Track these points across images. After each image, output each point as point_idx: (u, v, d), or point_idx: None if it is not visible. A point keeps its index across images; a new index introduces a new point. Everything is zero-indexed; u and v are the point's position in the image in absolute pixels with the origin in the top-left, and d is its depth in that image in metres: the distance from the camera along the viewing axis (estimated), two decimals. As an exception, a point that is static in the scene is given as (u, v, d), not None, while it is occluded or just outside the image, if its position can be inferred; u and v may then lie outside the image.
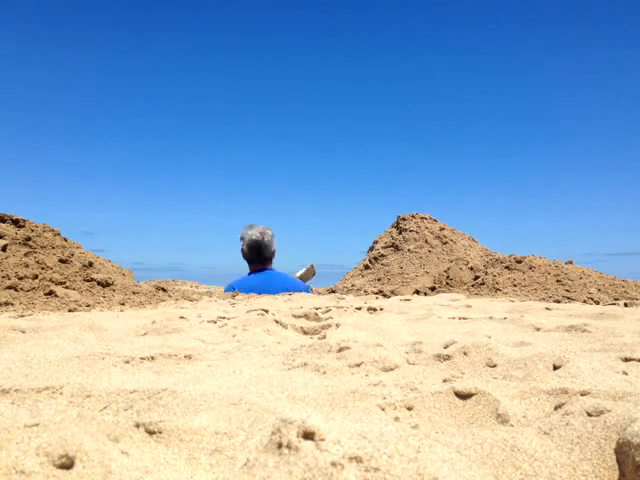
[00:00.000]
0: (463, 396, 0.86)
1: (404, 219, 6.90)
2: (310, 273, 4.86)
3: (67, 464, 0.51)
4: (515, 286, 3.61)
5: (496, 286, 3.61)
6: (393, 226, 7.08)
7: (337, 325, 1.64)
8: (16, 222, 2.99)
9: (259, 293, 3.73)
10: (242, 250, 4.05)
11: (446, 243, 5.80)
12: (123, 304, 2.55)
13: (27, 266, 2.59)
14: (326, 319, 1.89)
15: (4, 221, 2.95)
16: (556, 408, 0.81)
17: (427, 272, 4.69)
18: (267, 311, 1.94)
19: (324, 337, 1.43)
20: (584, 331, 1.53)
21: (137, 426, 0.68)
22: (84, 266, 2.88)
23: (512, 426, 0.76)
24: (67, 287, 2.57)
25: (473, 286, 3.80)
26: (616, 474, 0.62)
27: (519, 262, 4.02)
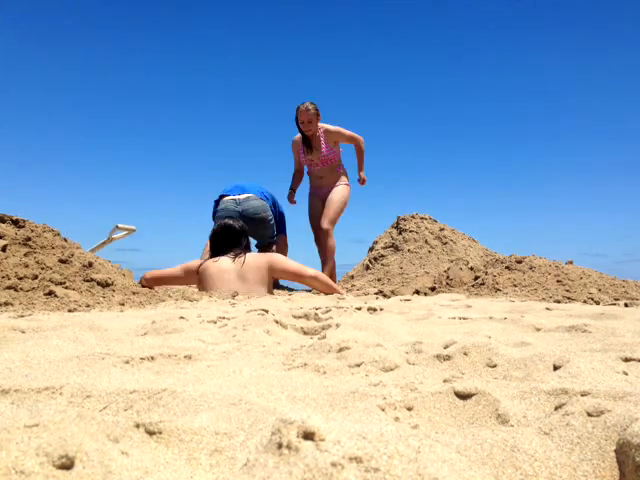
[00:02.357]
0: (463, 396, 0.86)
1: (404, 219, 6.90)
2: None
3: (67, 464, 0.51)
4: (515, 286, 3.61)
5: (496, 286, 3.60)
6: (393, 226, 7.08)
7: (337, 325, 1.64)
8: (16, 222, 2.99)
9: None
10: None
11: (446, 243, 5.80)
12: (123, 304, 2.55)
13: (27, 266, 2.59)
14: (326, 319, 1.89)
15: (4, 221, 2.95)
16: (556, 408, 0.81)
17: (427, 272, 4.69)
18: (267, 311, 1.94)
19: (324, 337, 1.43)
20: (584, 331, 1.53)
21: (137, 426, 0.68)
22: (84, 266, 2.87)
23: (512, 426, 0.76)
24: (67, 287, 2.57)
25: (473, 286, 3.80)
26: (616, 474, 0.62)
27: (519, 262, 4.02)
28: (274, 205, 5.10)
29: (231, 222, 3.85)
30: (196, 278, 3.59)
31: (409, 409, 0.84)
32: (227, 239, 3.76)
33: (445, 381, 0.98)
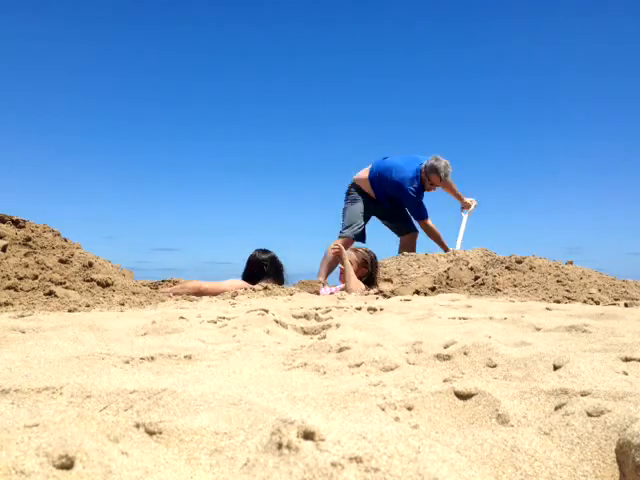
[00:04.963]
0: (463, 396, 0.86)
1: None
2: None
3: (67, 464, 0.51)
4: (515, 286, 3.60)
5: (496, 286, 3.60)
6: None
7: (337, 325, 1.64)
8: (16, 222, 2.99)
9: None
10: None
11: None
12: (123, 304, 2.55)
13: (27, 266, 2.59)
14: (326, 319, 1.89)
15: (4, 221, 2.95)
16: (556, 408, 0.81)
17: (426, 273, 4.69)
18: (267, 311, 1.94)
19: (324, 337, 1.43)
20: (584, 331, 1.53)
21: (137, 426, 0.68)
22: (84, 266, 2.87)
23: (512, 426, 0.76)
24: (67, 287, 2.57)
25: (473, 286, 3.80)
26: (617, 474, 0.62)
27: (519, 262, 4.01)
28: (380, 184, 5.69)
29: (256, 254, 4.17)
30: None
31: (409, 409, 0.84)
32: (256, 274, 4.07)
33: (445, 381, 0.98)
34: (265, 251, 4.31)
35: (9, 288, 2.38)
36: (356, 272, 4.36)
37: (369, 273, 4.45)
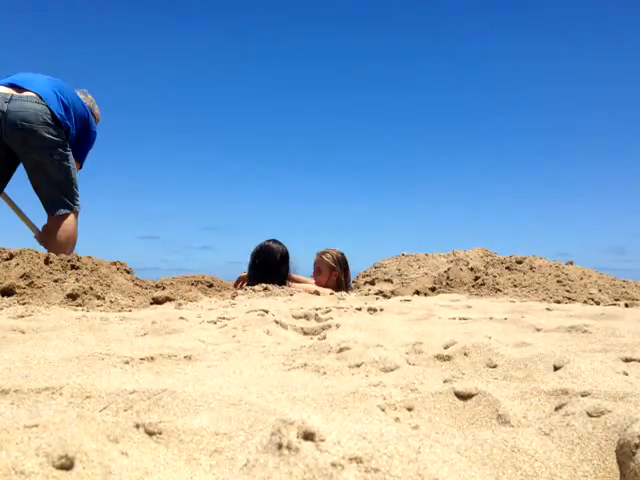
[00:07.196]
0: (463, 397, 0.86)
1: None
2: None
3: (67, 465, 0.51)
4: (515, 287, 3.60)
5: (496, 287, 3.60)
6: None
7: (337, 326, 1.63)
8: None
9: None
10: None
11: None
12: (123, 304, 2.55)
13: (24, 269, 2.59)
14: (326, 320, 1.89)
15: None
16: (557, 409, 0.81)
17: (426, 273, 4.69)
18: (267, 312, 1.94)
19: (324, 338, 1.43)
20: (585, 332, 1.53)
21: (137, 427, 0.68)
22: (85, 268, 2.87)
23: (512, 427, 0.76)
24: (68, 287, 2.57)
25: (473, 287, 3.80)
26: (617, 475, 0.62)
27: (519, 262, 4.02)
28: (75, 118, 3.50)
29: (272, 246, 3.70)
30: None
31: (409, 409, 0.84)
32: (265, 265, 3.63)
33: (445, 381, 0.98)
34: (279, 242, 3.81)
35: (8, 289, 2.39)
36: (327, 278, 4.11)
37: (339, 276, 4.14)
